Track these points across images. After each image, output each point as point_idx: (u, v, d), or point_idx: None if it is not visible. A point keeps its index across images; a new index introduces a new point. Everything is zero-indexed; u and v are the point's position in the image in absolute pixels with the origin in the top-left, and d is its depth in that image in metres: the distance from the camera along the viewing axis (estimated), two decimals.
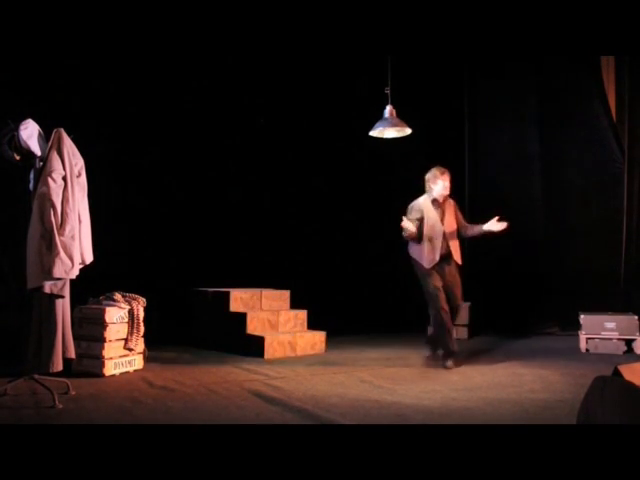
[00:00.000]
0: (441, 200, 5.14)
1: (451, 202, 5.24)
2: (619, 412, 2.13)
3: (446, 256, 5.09)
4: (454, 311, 5.18)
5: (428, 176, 5.14)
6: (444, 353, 5.09)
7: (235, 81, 7.02)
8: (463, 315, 7.33)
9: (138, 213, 6.44)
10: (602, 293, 7.01)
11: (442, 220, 5.11)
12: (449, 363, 4.97)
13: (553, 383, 4.40)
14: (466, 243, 8.26)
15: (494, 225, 5.01)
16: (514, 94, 8.08)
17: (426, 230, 5.07)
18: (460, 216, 5.29)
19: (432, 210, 5.10)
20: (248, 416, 3.34)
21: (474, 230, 5.22)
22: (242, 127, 7.24)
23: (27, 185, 3.86)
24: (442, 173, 5.09)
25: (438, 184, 5.09)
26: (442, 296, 5.02)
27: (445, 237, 5.09)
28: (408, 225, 4.91)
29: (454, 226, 5.18)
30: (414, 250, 5.16)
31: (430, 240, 5.05)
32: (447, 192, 5.13)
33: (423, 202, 5.14)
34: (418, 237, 5.05)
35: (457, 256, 5.17)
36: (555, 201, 7.72)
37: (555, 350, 6.18)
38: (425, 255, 5.08)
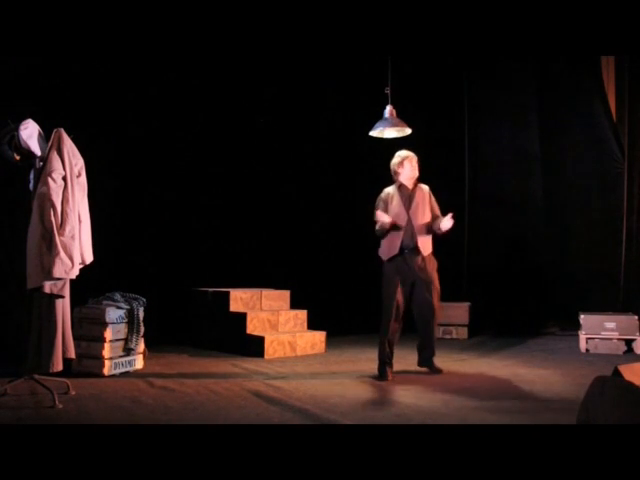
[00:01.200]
0: (410, 186, 4.68)
1: (425, 190, 4.73)
2: (619, 412, 2.13)
3: (412, 249, 4.56)
4: (426, 311, 4.65)
5: (393, 162, 4.72)
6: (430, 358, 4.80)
7: (235, 81, 7.01)
8: (463, 315, 7.34)
9: (138, 213, 6.44)
10: (602, 293, 7.03)
11: (408, 208, 4.61)
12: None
13: (553, 383, 4.40)
14: (466, 242, 8.37)
15: (446, 222, 4.54)
16: (514, 94, 8.08)
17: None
18: (436, 207, 4.73)
19: (397, 196, 4.64)
20: (248, 416, 3.34)
21: (435, 225, 4.64)
22: (242, 127, 7.24)
23: (27, 185, 3.86)
24: (407, 155, 4.69)
25: (405, 167, 4.66)
26: (394, 310, 4.58)
27: (412, 227, 4.57)
28: (382, 216, 4.50)
29: (426, 216, 4.64)
30: (381, 245, 4.71)
31: (392, 229, 4.57)
32: (415, 174, 4.68)
33: (390, 189, 4.72)
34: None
35: (425, 249, 4.58)
36: (555, 201, 7.73)
37: (555, 350, 6.18)
38: (385, 246, 4.64)
